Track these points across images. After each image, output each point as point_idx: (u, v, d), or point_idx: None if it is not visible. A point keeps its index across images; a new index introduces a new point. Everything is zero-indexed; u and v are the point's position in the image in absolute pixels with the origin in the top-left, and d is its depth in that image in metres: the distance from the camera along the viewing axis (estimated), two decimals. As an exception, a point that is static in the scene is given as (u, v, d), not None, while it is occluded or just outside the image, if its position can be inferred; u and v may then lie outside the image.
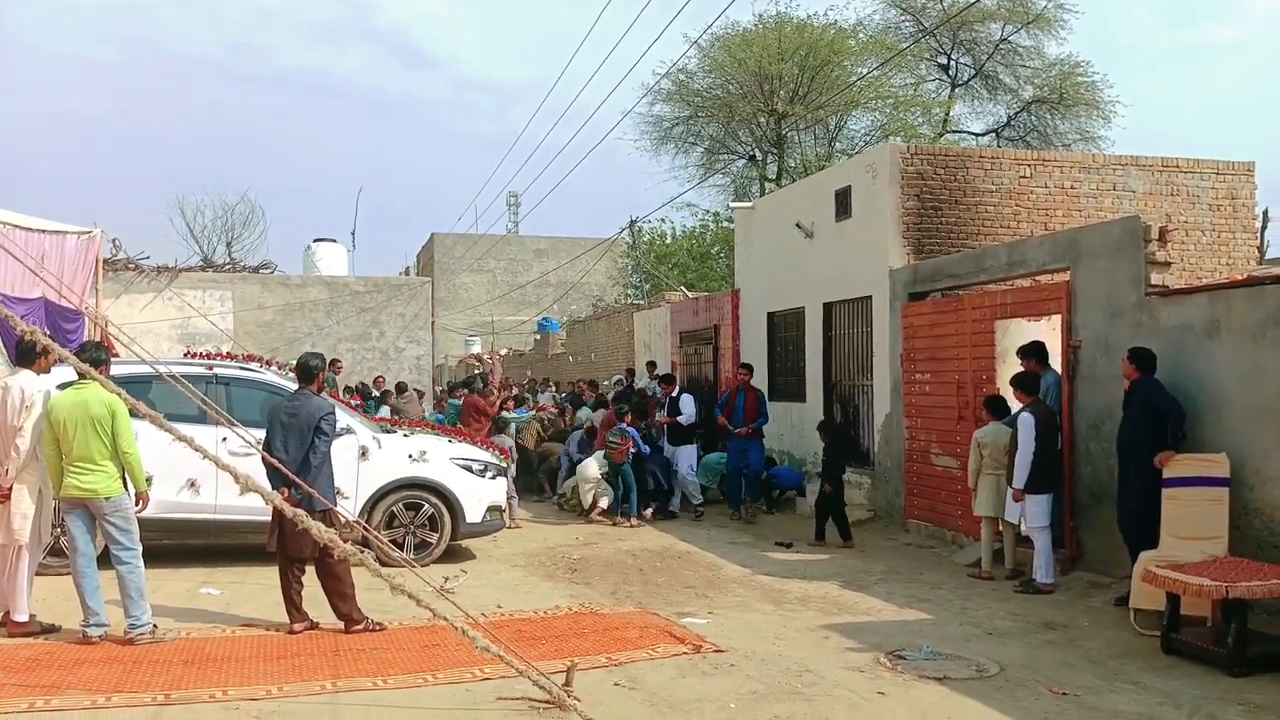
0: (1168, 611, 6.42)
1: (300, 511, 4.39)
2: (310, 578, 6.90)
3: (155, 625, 6.51)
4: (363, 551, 4.81)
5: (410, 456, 9.43)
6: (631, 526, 11.92)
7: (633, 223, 30.85)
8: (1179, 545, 6.95)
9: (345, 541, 5.43)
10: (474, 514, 9.51)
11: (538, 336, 34.81)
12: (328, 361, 8.25)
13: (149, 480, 6.72)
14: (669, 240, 32.72)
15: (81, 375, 6.20)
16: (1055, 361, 9.12)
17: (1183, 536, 7.02)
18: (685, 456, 13.18)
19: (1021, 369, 8.91)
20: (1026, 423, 8.30)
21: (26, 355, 6.67)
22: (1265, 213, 21.60)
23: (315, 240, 23.68)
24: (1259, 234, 15.72)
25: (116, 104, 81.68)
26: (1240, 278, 8.55)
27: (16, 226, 10.62)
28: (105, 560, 6.53)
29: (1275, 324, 6.92)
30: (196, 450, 4.20)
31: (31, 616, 6.65)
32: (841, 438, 11.20)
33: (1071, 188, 12.27)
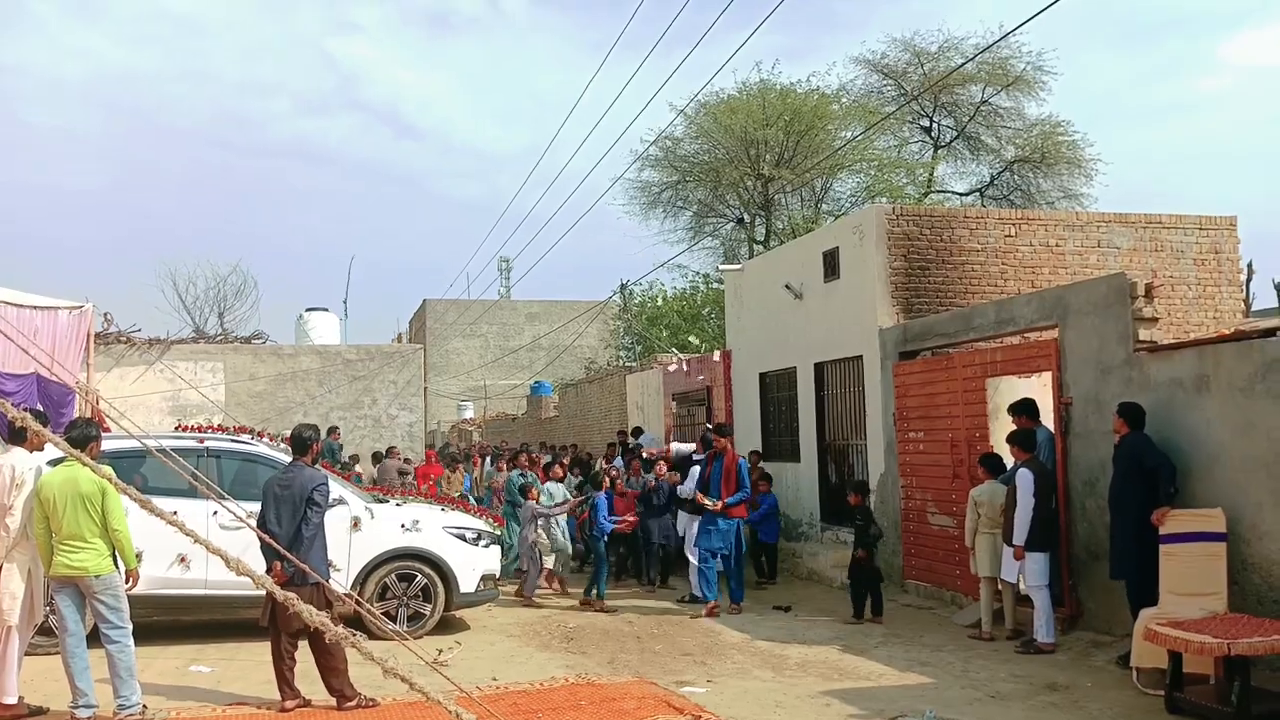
0: (1170, 670, 6.38)
1: (292, 595, 4.33)
2: (303, 652, 6.81)
3: (145, 705, 6.41)
4: (354, 634, 4.75)
5: (403, 526, 9.36)
6: (590, 608, 10.78)
7: (624, 286, 31.04)
8: (1179, 602, 6.90)
9: (337, 620, 5.37)
10: (468, 584, 9.41)
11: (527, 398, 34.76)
12: (326, 430, 8.23)
13: (139, 557, 6.67)
14: (660, 302, 32.89)
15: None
16: (1047, 419, 9.14)
17: (1182, 593, 6.97)
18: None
19: (1013, 427, 8.92)
20: (1025, 479, 8.28)
21: (19, 433, 6.65)
22: (1249, 265, 21.89)
23: (307, 309, 23.82)
24: (1244, 287, 15.90)
25: (108, 175, 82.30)
26: (1228, 332, 8.61)
27: (9, 304, 10.67)
28: (94, 639, 6.44)
29: (1264, 378, 6.96)
30: (187, 534, 4.16)
31: (20, 698, 6.55)
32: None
33: (1057, 245, 12.39)
